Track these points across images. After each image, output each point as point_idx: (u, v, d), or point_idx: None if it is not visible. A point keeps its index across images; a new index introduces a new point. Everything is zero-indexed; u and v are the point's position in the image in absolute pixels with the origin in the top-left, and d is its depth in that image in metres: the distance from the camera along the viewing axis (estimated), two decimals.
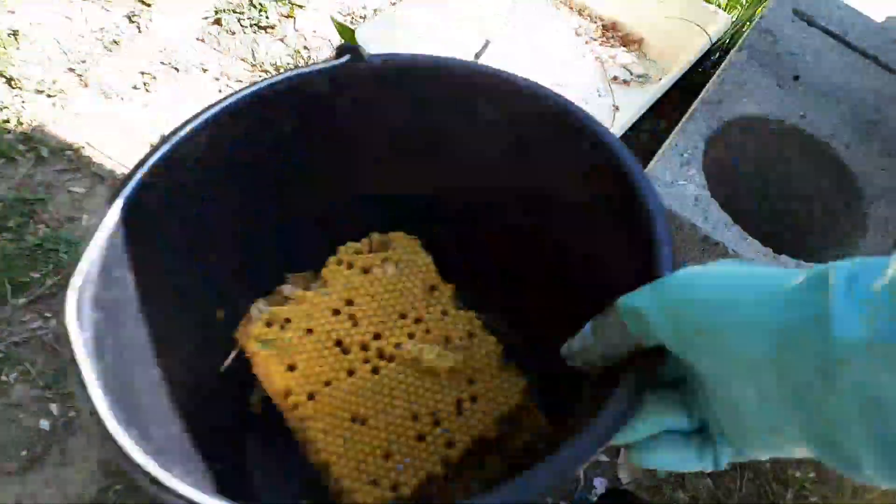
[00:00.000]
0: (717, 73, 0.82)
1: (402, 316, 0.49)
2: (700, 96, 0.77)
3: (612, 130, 0.83)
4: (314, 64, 0.42)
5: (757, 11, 1.14)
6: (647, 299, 0.28)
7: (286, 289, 0.53)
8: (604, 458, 0.77)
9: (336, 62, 0.42)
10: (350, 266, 0.52)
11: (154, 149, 0.40)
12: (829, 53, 0.83)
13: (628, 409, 0.29)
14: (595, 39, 1.17)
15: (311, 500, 0.47)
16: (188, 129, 0.39)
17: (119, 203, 0.37)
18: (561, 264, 0.48)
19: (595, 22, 1.18)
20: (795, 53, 0.82)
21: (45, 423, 0.64)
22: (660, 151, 0.72)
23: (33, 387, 0.67)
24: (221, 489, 0.38)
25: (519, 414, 0.46)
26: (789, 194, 0.82)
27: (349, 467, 0.43)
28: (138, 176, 0.38)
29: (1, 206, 0.83)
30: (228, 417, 0.50)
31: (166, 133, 0.40)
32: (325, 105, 0.44)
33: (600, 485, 0.74)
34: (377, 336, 0.49)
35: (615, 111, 1.01)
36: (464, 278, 0.52)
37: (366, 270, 0.51)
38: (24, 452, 0.61)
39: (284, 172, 0.47)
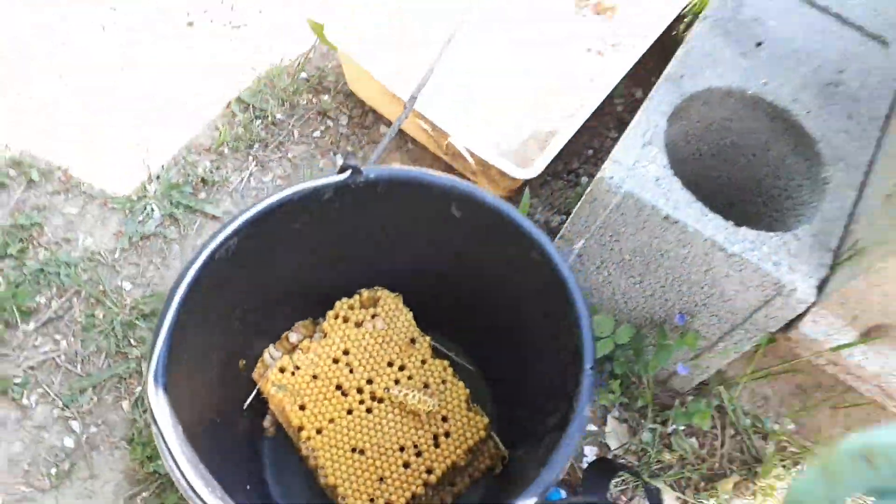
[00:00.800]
0: (682, 45, 0.83)
1: (389, 364, 0.63)
2: (665, 72, 0.79)
3: (588, 101, 0.91)
4: (323, 176, 0.54)
5: None
6: None
7: (293, 336, 0.65)
8: (592, 427, 0.82)
9: (341, 176, 0.54)
10: (346, 320, 0.64)
11: (198, 252, 0.51)
12: (792, 14, 0.83)
13: None
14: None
15: None
16: (224, 234, 0.51)
17: (178, 295, 0.49)
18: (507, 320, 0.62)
19: None
20: (759, 18, 0.82)
21: (69, 441, 0.74)
22: (624, 134, 0.73)
23: (54, 407, 0.76)
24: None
25: (482, 445, 0.60)
26: (754, 163, 0.83)
27: (352, 488, 0.57)
28: (190, 274, 0.50)
29: (0, 234, 0.89)
30: (249, 441, 0.62)
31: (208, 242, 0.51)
32: (331, 207, 0.56)
33: (591, 453, 0.81)
34: (370, 381, 0.62)
35: (590, 83, 1.04)
36: (435, 325, 0.66)
37: (358, 324, 0.64)
38: (53, 470, 0.71)
39: (295, 255, 0.59)
